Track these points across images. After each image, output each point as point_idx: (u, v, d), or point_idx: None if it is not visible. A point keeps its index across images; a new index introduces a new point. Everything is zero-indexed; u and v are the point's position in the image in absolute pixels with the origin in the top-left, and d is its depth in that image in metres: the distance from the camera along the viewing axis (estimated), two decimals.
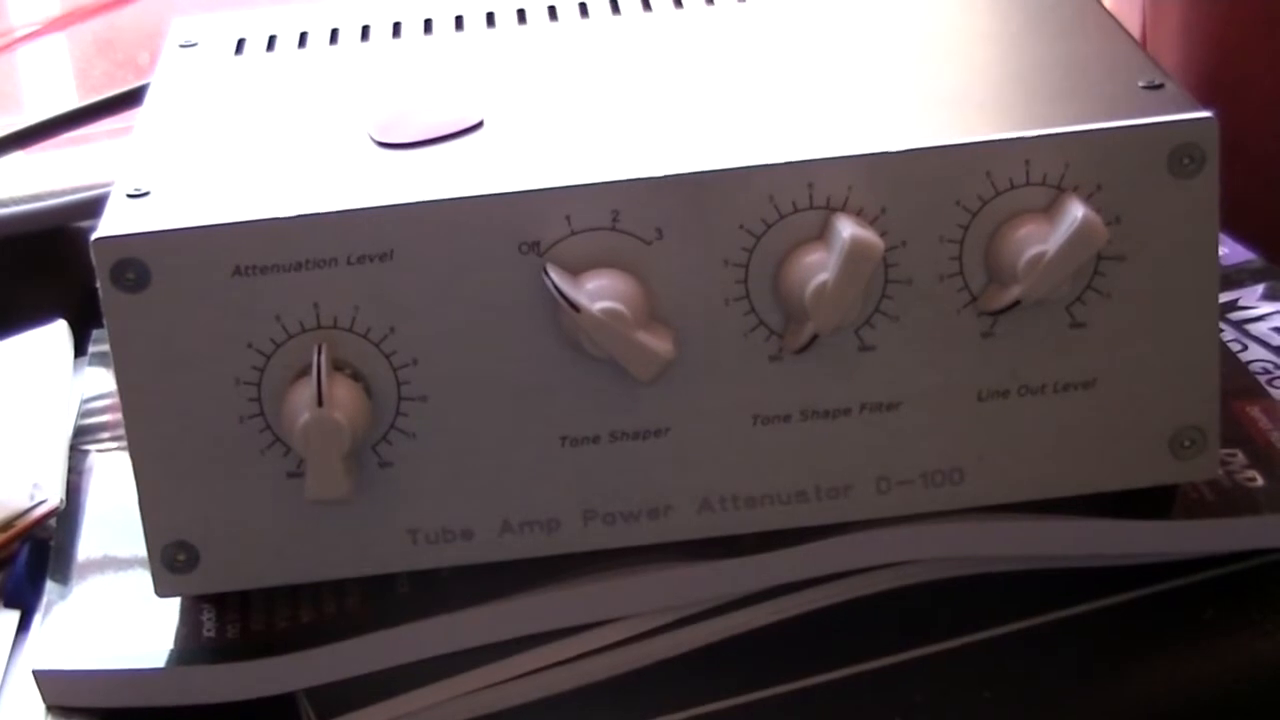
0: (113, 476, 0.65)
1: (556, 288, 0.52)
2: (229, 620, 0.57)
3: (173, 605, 0.57)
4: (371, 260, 0.53)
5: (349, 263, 0.53)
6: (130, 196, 0.55)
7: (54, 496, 0.64)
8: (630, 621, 0.57)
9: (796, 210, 0.54)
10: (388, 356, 0.54)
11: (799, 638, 0.57)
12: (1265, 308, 0.70)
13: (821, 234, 0.54)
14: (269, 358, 0.54)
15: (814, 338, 0.53)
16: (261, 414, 0.54)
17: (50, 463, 0.66)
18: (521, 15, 0.66)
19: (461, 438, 0.55)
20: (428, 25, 0.66)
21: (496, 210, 0.53)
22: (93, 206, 0.81)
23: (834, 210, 0.53)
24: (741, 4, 0.65)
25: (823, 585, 0.58)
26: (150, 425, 0.54)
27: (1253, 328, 0.68)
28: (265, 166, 0.57)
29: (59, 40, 1.11)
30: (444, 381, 0.54)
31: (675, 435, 0.55)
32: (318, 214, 0.53)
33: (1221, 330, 0.57)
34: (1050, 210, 0.54)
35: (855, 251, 0.52)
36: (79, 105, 0.85)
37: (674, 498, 0.56)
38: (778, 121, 0.56)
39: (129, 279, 0.53)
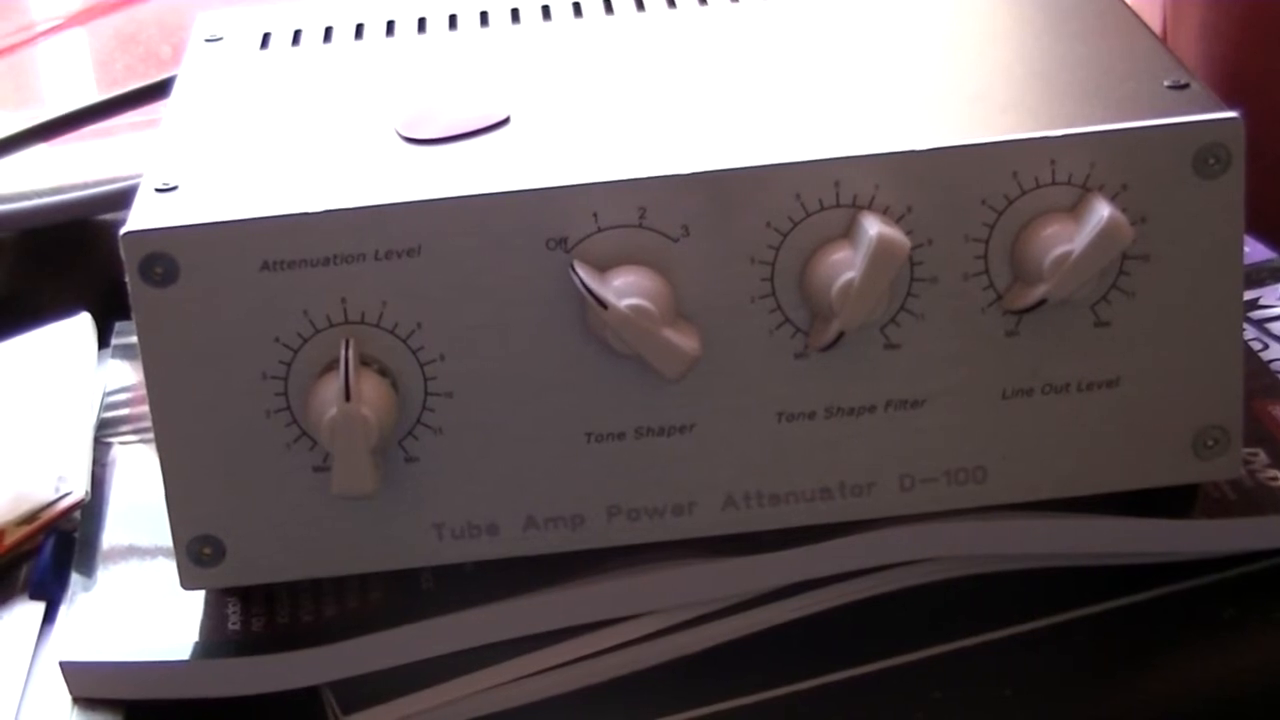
0: (136, 469, 0.65)
1: (584, 284, 0.53)
2: (254, 613, 0.57)
3: (197, 598, 0.57)
4: (399, 256, 0.53)
5: (376, 258, 0.53)
6: (158, 191, 0.55)
7: (79, 489, 0.65)
8: (653, 617, 0.57)
9: (823, 208, 0.54)
10: (414, 352, 0.54)
11: (820, 634, 0.58)
12: None
13: (847, 232, 0.54)
14: (296, 352, 0.54)
15: (839, 335, 0.54)
16: (288, 408, 0.54)
17: (75, 455, 0.66)
18: (546, 11, 0.66)
19: (487, 433, 0.55)
20: (453, 21, 0.67)
21: (524, 207, 0.53)
22: (115, 199, 0.81)
23: (860, 208, 0.54)
24: (767, 1, 0.65)
25: (844, 582, 0.58)
26: (177, 419, 0.55)
27: (1274, 327, 0.68)
28: (292, 161, 0.57)
29: (80, 35, 1.11)
30: (470, 377, 0.55)
31: (700, 432, 0.56)
32: (346, 209, 0.53)
33: (1243, 329, 0.57)
34: (1076, 210, 0.54)
35: (881, 250, 0.52)
36: (102, 98, 0.85)
37: (698, 494, 0.56)
38: (804, 119, 0.57)
39: (157, 273, 0.53)
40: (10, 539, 0.64)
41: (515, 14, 0.66)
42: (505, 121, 0.58)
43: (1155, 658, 0.57)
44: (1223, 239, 0.55)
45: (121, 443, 0.67)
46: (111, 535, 0.61)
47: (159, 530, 0.56)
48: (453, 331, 0.54)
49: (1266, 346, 0.67)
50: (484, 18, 0.66)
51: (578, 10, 0.66)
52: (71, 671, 0.56)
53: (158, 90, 0.83)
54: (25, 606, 0.62)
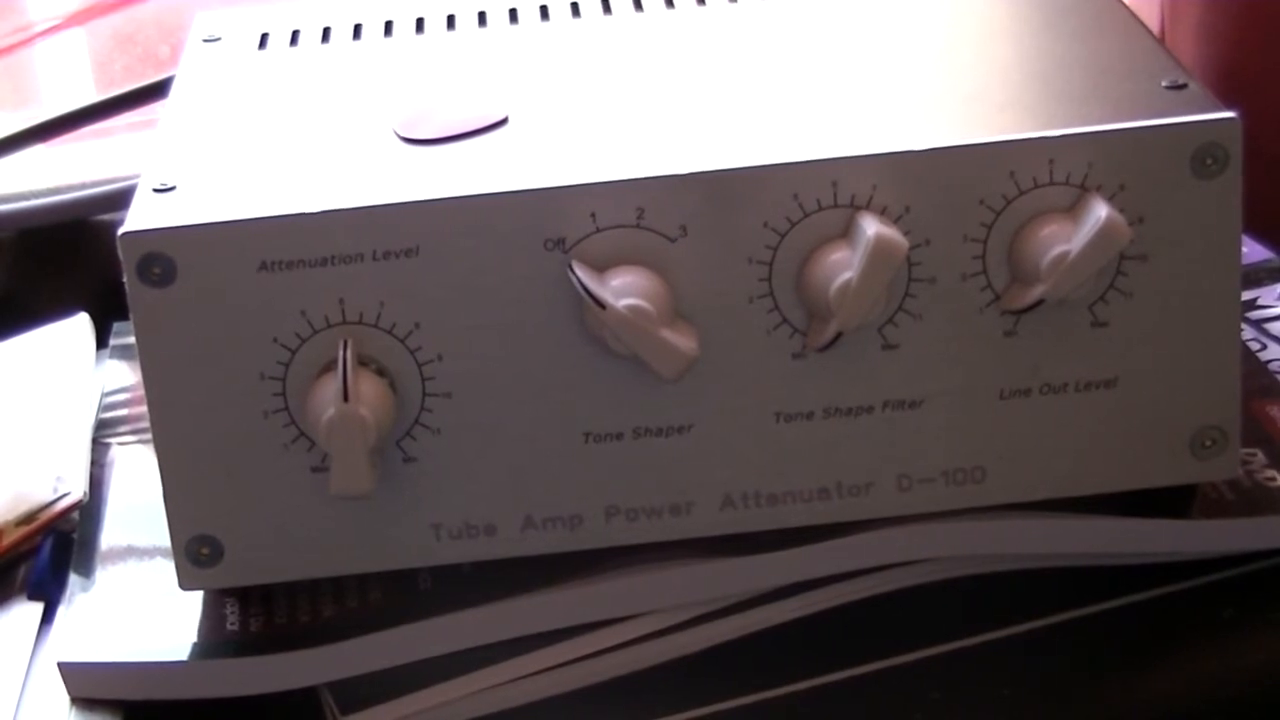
0: (135, 469, 0.65)
1: (582, 285, 0.53)
2: (252, 614, 0.57)
3: (196, 598, 0.58)
4: (397, 256, 0.53)
5: (374, 258, 0.53)
6: (156, 191, 0.55)
7: (77, 489, 0.65)
8: (651, 617, 0.57)
9: (820, 208, 0.54)
10: (412, 352, 0.54)
11: (818, 635, 0.58)
12: None
13: (845, 232, 0.54)
14: (294, 353, 0.54)
15: (837, 336, 0.54)
16: (286, 409, 0.54)
17: (73, 455, 0.67)
18: (545, 11, 0.66)
19: (485, 434, 0.55)
20: (450, 21, 0.67)
21: (522, 207, 0.53)
22: (114, 200, 0.81)
23: (858, 209, 0.54)
24: (766, 1, 0.65)
25: (842, 582, 0.58)
26: (175, 419, 0.55)
27: (1272, 327, 0.68)
28: (290, 162, 0.57)
29: (78, 35, 1.11)
30: (468, 377, 0.55)
31: (698, 432, 0.56)
32: (344, 210, 0.53)
33: (1241, 329, 0.57)
34: (1074, 210, 0.54)
35: (879, 250, 0.52)
36: (101, 99, 0.85)
37: (696, 494, 0.56)
38: (802, 119, 0.57)
39: (155, 274, 0.53)
40: (9, 539, 0.64)
41: (513, 14, 0.66)
42: (503, 122, 0.58)
43: (1153, 658, 0.57)
44: (1220, 239, 0.55)
45: (120, 443, 0.67)
46: (110, 536, 0.61)
47: (157, 531, 0.56)
48: (451, 332, 0.54)
49: (1265, 347, 0.67)
50: (482, 18, 0.67)
51: (576, 10, 0.66)
52: (70, 672, 0.56)
53: (156, 91, 0.83)
54: (23, 607, 0.62)
